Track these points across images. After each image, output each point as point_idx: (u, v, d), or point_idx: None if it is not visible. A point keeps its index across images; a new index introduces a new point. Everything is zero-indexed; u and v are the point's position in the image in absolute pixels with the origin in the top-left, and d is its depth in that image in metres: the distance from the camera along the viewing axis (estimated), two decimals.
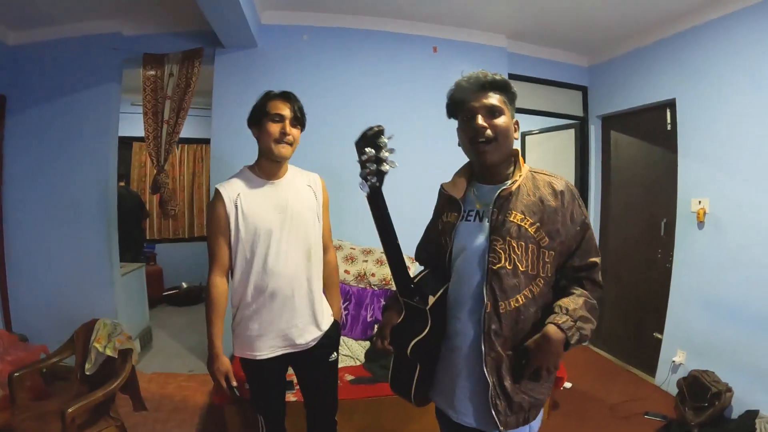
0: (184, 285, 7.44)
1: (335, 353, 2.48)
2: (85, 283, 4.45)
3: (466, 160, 1.83)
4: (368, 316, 3.93)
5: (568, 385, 4.29)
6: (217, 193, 2.22)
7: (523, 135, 6.63)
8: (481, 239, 1.64)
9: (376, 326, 3.86)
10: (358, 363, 3.59)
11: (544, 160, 6.14)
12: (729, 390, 3.61)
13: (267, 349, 2.27)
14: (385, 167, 1.51)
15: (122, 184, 6.50)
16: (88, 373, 3.03)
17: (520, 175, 1.65)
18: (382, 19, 4.55)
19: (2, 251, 4.40)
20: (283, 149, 2.24)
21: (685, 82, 4.22)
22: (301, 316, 2.30)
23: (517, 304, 1.57)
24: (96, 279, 4.47)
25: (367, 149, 1.49)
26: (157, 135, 4.26)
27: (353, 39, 4.55)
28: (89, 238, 4.44)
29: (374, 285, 4.07)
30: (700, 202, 4.07)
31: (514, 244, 1.57)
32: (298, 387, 2.82)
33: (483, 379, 1.59)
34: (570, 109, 5.56)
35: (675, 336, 4.33)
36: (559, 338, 1.51)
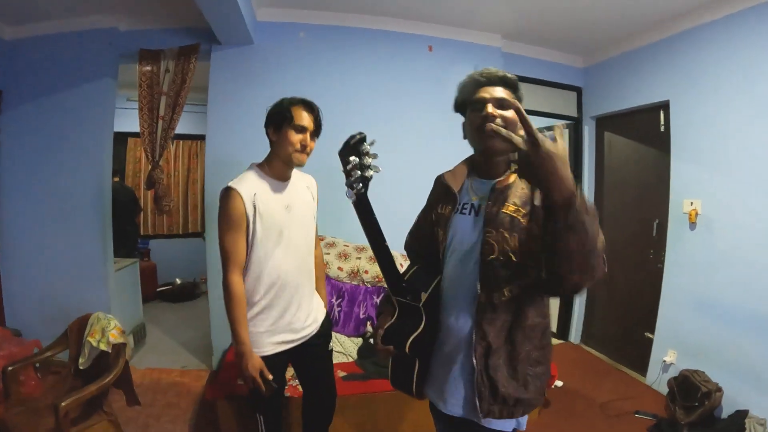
0: (178, 281, 7.44)
1: (331, 342, 2.63)
2: (79, 278, 4.45)
3: (461, 158, 1.86)
4: (361, 312, 3.94)
5: (559, 383, 4.31)
6: (235, 192, 2.23)
7: None
8: (475, 231, 1.66)
9: (368, 323, 3.89)
10: (351, 360, 3.60)
11: None
12: (719, 390, 3.64)
13: (274, 346, 2.35)
14: (369, 173, 1.55)
15: (117, 179, 6.51)
16: (81, 368, 3.04)
17: (516, 169, 1.65)
18: (379, 18, 4.55)
19: None
20: (302, 158, 2.32)
21: (679, 84, 4.24)
22: (304, 309, 2.44)
23: (510, 294, 1.59)
24: (90, 274, 4.47)
25: (352, 158, 1.53)
26: (152, 131, 4.25)
27: (349, 37, 4.56)
28: (83, 233, 4.43)
29: (367, 282, 4.08)
30: (692, 203, 4.09)
31: (507, 236, 1.57)
32: (290, 383, 2.85)
33: (472, 367, 1.61)
34: (564, 109, 5.56)
35: (666, 336, 4.35)
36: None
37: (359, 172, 1.53)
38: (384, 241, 1.66)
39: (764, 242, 3.56)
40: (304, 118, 2.30)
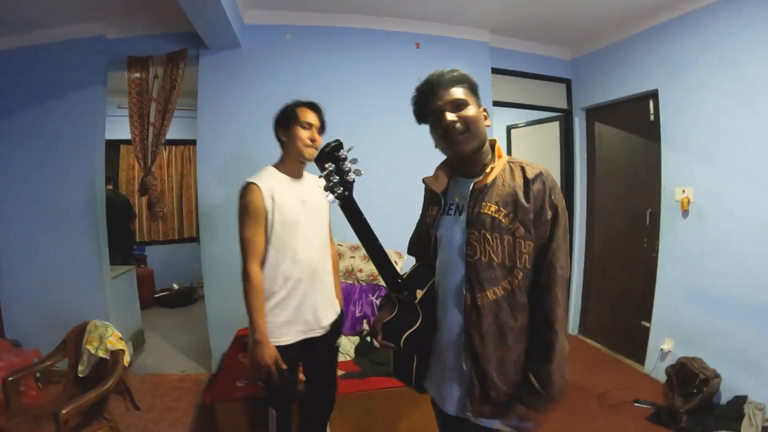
0: (175, 286, 7.45)
1: (340, 337, 2.71)
2: (76, 286, 4.45)
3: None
4: (357, 311, 3.95)
5: None
6: (254, 186, 2.35)
7: (509, 128, 6.68)
8: (459, 233, 1.66)
9: (365, 321, 3.90)
10: (348, 358, 3.61)
11: (530, 153, 6.18)
12: (717, 376, 3.67)
13: (291, 335, 2.43)
14: (351, 177, 1.59)
15: (110, 187, 6.50)
16: (81, 375, 3.05)
17: (493, 167, 1.66)
18: (365, 17, 4.56)
19: None
20: (312, 152, 2.42)
21: (668, 73, 4.26)
22: (321, 303, 2.52)
23: (495, 297, 1.57)
24: (86, 282, 4.47)
25: (327, 164, 1.56)
26: (143, 137, 4.26)
27: (336, 37, 4.56)
28: (78, 241, 4.43)
29: (362, 281, 4.09)
30: (684, 191, 4.11)
31: (489, 237, 1.57)
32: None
33: (463, 367, 1.62)
34: (554, 101, 5.58)
35: (662, 324, 4.38)
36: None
37: (337, 177, 1.57)
38: (376, 239, 1.67)
39: (755, 229, 3.59)
40: (309, 116, 2.45)
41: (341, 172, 1.57)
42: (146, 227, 8.02)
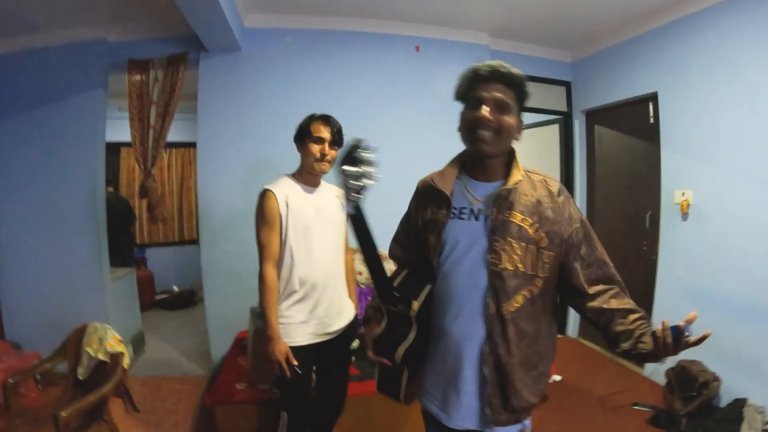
0: (176, 289, 7.46)
1: (355, 341, 2.78)
2: (76, 289, 4.46)
3: (449, 158, 1.77)
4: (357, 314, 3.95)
5: (556, 377, 4.33)
6: (270, 192, 2.48)
7: None
8: (479, 239, 1.58)
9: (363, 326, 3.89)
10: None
11: (530, 156, 6.16)
12: (716, 379, 3.67)
13: (305, 336, 2.51)
14: (368, 182, 1.49)
15: (111, 189, 6.50)
16: (80, 378, 3.05)
17: (517, 174, 1.60)
18: (365, 20, 4.57)
19: None
20: (323, 166, 2.52)
21: (667, 76, 4.26)
22: (335, 306, 2.60)
23: (517, 305, 1.55)
24: (87, 285, 4.48)
25: (355, 169, 1.46)
26: (143, 140, 4.26)
27: (336, 40, 4.57)
28: (79, 244, 4.44)
29: (361, 283, 4.09)
30: (683, 194, 4.11)
31: (515, 245, 1.53)
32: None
33: (481, 378, 1.58)
34: (554, 104, 5.59)
35: None
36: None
37: (357, 183, 1.47)
38: (376, 249, 1.60)
39: (755, 231, 3.58)
40: (321, 131, 2.50)
41: (362, 177, 1.47)
42: (147, 229, 8.02)
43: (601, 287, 1.64)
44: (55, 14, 4.06)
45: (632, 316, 1.59)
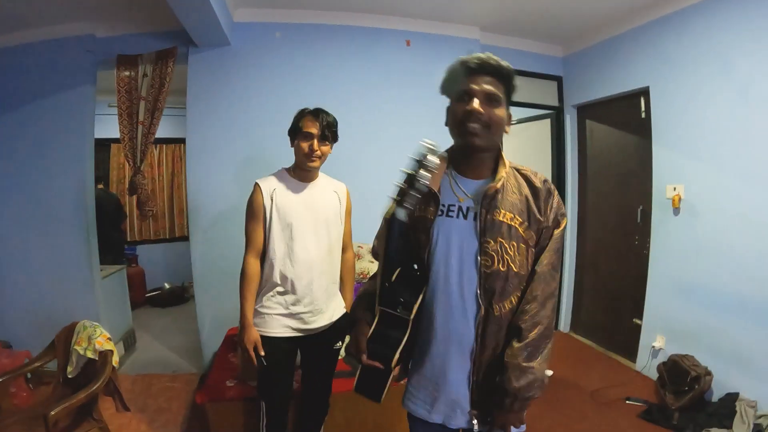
0: (167, 286, 7.42)
1: (340, 342, 2.71)
2: (66, 287, 4.43)
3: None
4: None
5: (548, 372, 4.33)
6: (257, 186, 2.53)
7: None
8: (469, 240, 1.55)
9: None
10: (339, 357, 3.60)
11: (521, 151, 6.17)
12: (708, 374, 3.68)
13: (282, 328, 2.52)
14: (421, 185, 1.42)
15: (101, 186, 6.47)
16: (70, 376, 3.03)
17: (505, 172, 1.59)
18: (355, 14, 4.56)
19: None
20: (312, 163, 2.50)
21: (659, 70, 4.27)
22: (316, 304, 2.56)
23: (510, 306, 1.54)
24: (77, 283, 4.45)
25: (419, 172, 1.39)
26: (132, 136, 4.23)
27: (326, 35, 4.55)
28: (68, 241, 4.41)
29: (361, 280, 4.08)
30: (675, 188, 4.12)
31: (507, 245, 1.51)
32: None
33: (470, 380, 1.58)
34: (545, 99, 5.59)
35: (654, 321, 4.39)
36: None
37: (412, 189, 1.41)
38: (397, 261, 1.58)
39: (747, 225, 3.59)
40: (309, 126, 2.47)
41: (417, 180, 1.40)
42: (137, 226, 7.98)
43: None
44: (43, 9, 4.02)
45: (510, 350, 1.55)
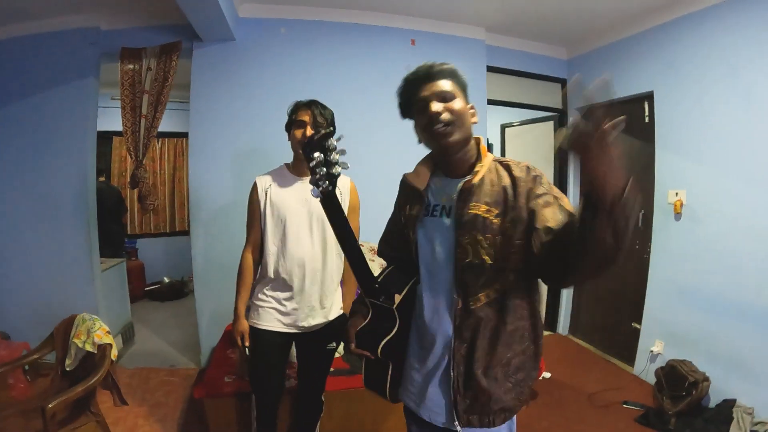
0: (166, 280, 7.42)
1: (334, 343, 2.68)
2: (66, 279, 4.42)
3: None
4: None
5: (546, 375, 4.33)
6: (254, 182, 2.59)
7: (503, 127, 6.67)
8: (447, 235, 1.59)
9: None
10: (338, 355, 3.60)
11: (524, 152, 6.17)
12: (706, 379, 3.68)
13: (274, 322, 2.53)
14: (336, 170, 1.51)
15: (102, 179, 6.47)
16: (68, 369, 3.03)
17: (482, 166, 1.59)
18: (361, 12, 4.56)
19: None
20: None
21: (663, 75, 4.26)
22: (309, 302, 2.54)
23: (487, 299, 1.53)
24: (76, 275, 4.45)
25: (315, 154, 1.48)
26: (135, 129, 4.23)
27: (331, 32, 4.54)
28: (69, 234, 4.40)
29: None
30: (677, 193, 4.12)
31: (480, 238, 1.50)
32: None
33: (450, 375, 1.57)
34: (549, 101, 5.58)
35: (653, 326, 4.39)
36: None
37: (324, 169, 1.48)
38: (355, 240, 1.61)
39: (748, 232, 3.59)
40: (302, 114, 2.47)
41: (328, 164, 1.49)
42: (138, 220, 7.99)
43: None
44: (47, 1, 4.01)
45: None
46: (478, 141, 1.68)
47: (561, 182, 5.50)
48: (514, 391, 1.57)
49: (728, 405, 3.54)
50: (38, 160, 4.33)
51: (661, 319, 4.29)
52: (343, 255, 2.60)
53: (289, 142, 2.55)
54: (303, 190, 2.52)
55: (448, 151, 1.60)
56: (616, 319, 4.97)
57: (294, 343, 2.68)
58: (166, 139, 8.01)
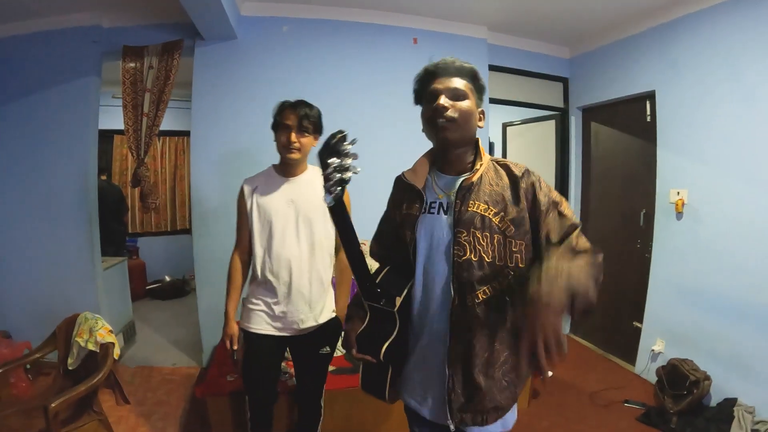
0: (167, 278, 7.43)
1: (327, 347, 2.64)
2: (67, 278, 4.42)
3: None
4: None
5: (549, 373, 4.33)
6: (242, 185, 2.60)
7: (504, 126, 6.66)
8: (445, 232, 1.60)
9: None
10: (339, 353, 3.60)
11: (525, 151, 6.17)
12: (707, 378, 3.68)
13: (264, 325, 2.53)
14: (348, 175, 1.42)
15: (104, 177, 6.47)
16: (70, 368, 3.04)
17: (481, 164, 1.61)
18: (363, 11, 4.55)
19: None
20: (291, 155, 2.46)
21: (665, 74, 4.25)
22: (297, 304, 2.51)
23: (485, 297, 1.53)
24: (78, 274, 4.44)
25: (332, 160, 1.39)
26: (137, 128, 4.22)
27: (333, 30, 4.54)
28: (70, 232, 4.40)
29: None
30: (678, 193, 4.11)
31: (479, 236, 1.52)
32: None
33: (446, 373, 1.57)
34: (551, 100, 5.58)
35: (654, 325, 4.39)
36: (550, 292, 1.32)
37: (338, 175, 1.40)
38: (358, 245, 1.58)
39: (750, 231, 3.59)
40: (288, 117, 2.45)
41: (342, 169, 1.41)
42: (139, 218, 7.98)
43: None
44: None
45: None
46: (476, 141, 1.69)
47: (562, 182, 5.50)
48: (508, 390, 1.59)
49: (729, 404, 3.55)
50: (39, 158, 4.32)
51: (663, 318, 4.30)
52: (334, 256, 2.65)
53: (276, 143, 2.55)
54: (289, 190, 2.52)
55: (445, 146, 1.63)
56: (617, 318, 4.98)
57: (286, 345, 2.65)
58: (168, 138, 8.00)
